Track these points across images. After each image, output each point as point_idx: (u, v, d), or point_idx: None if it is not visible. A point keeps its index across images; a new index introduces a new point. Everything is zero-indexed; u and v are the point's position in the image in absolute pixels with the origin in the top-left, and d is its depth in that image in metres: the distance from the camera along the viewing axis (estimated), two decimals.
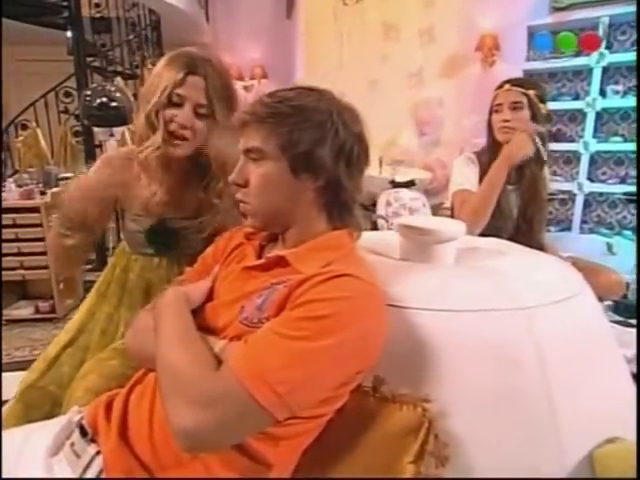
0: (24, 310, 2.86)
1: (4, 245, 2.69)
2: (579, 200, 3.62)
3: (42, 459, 0.69)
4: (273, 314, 0.70)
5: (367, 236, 1.39)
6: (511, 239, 1.49)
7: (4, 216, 2.67)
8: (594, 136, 3.51)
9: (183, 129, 1.06)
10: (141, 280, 1.22)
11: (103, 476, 0.68)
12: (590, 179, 3.60)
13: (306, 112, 0.75)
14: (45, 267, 2.75)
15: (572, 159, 3.76)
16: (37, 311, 2.84)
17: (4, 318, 2.81)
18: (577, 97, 3.65)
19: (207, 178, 1.14)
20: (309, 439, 0.74)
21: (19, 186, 2.75)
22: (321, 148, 0.74)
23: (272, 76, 4.71)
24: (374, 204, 3.38)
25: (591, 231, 3.67)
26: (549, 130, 3.73)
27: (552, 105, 3.67)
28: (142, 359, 0.81)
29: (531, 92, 1.58)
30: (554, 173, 3.86)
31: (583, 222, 3.71)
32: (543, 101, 1.62)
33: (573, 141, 3.69)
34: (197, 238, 1.17)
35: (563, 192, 3.63)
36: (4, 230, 2.67)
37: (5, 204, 2.68)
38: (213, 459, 0.67)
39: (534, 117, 1.59)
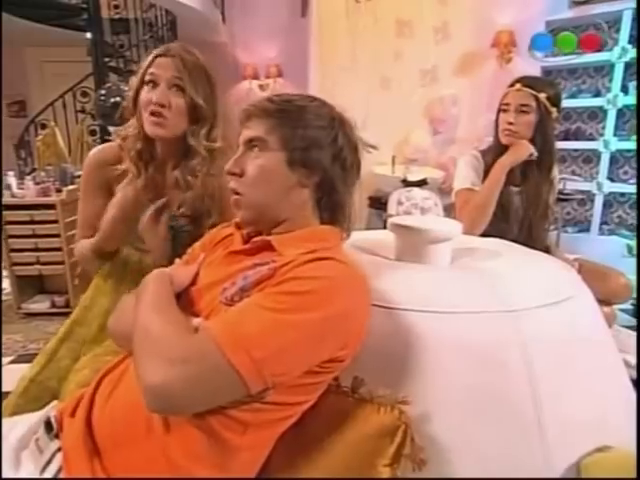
0: (41, 304, 2.95)
1: (21, 241, 2.78)
2: (598, 200, 3.51)
3: (12, 452, 0.71)
4: (251, 292, 0.70)
5: (363, 235, 1.40)
6: (515, 241, 1.46)
7: (22, 212, 2.76)
8: (615, 134, 3.40)
9: (161, 107, 1.07)
10: (138, 275, 1.23)
11: (62, 474, 0.69)
12: (610, 179, 3.48)
13: (311, 113, 0.79)
14: (61, 263, 2.83)
15: (592, 158, 3.65)
16: (53, 305, 2.92)
17: (22, 311, 2.91)
18: (598, 94, 3.53)
19: (186, 159, 1.15)
20: (277, 431, 0.73)
21: (37, 184, 2.83)
22: (320, 149, 0.78)
23: (287, 75, 4.72)
24: (385, 203, 3.35)
25: (611, 232, 3.56)
26: (568, 128, 3.68)
27: (571, 102, 3.60)
28: (121, 339, 0.81)
29: (542, 95, 1.52)
30: (573, 172, 3.76)
31: (603, 223, 3.59)
32: (556, 103, 1.56)
33: (593, 139, 3.58)
34: (189, 232, 1.18)
35: (582, 192, 3.53)
36: (22, 226, 2.77)
37: (22, 201, 2.77)
38: (172, 437, 0.67)
39: (541, 121, 1.53)
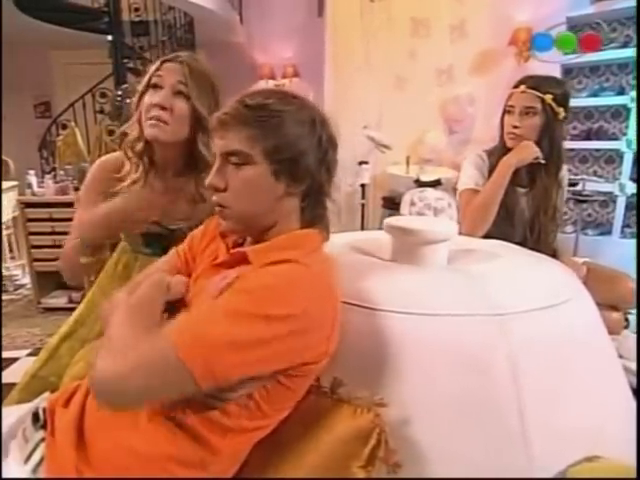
0: (59, 299, 3.05)
1: (41, 237, 2.88)
2: (620, 202, 3.39)
3: (2, 442, 0.73)
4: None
5: (362, 235, 1.39)
6: (521, 243, 1.43)
7: (41, 210, 2.86)
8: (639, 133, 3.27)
9: (162, 110, 1.08)
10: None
11: (44, 464, 0.71)
12: (634, 179, 3.36)
13: (292, 119, 0.75)
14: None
15: (614, 158, 3.53)
16: (70, 301, 3.01)
17: (41, 306, 3.01)
18: (622, 92, 3.41)
19: (198, 171, 1.14)
20: (255, 437, 0.74)
21: (56, 182, 2.93)
22: (306, 156, 0.76)
23: (304, 75, 4.73)
24: (399, 203, 3.32)
25: (634, 235, 3.43)
26: (590, 127, 3.57)
27: (594, 101, 3.50)
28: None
29: (548, 96, 1.47)
30: (594, 173, 3.65)
31: (625, 226, 3.47)
32: (564, 103, 1.51)
33: (616, 139, 3.46)
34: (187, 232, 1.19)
35: (603, 193, 3.41)
36: (41, 223, 2.87)
37: (42, 199, 2.87)
38: (156, 432, 0.69)
39: (547, 123, 1.49)
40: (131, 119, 1.18)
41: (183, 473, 0.70)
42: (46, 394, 0.85)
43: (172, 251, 0.96)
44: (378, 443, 0.71)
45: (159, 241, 1.22)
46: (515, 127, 1.50)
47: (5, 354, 2.40)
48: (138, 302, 0.75)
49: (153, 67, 1.13)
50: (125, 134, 1.16)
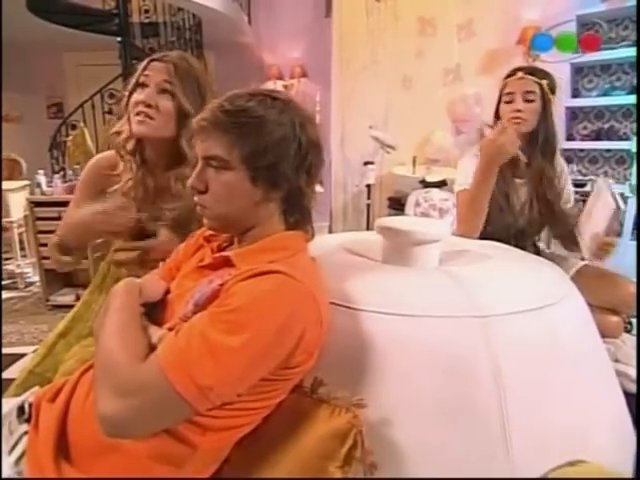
0: (67, 297, 3.11)
1: (50, 236, 2.90)
2: (631, 203, 3.32)
3: None
4: (205, 308, 0.71)
5: (356, 236, 1.39)
6: (523, 231, 1.52)
7: (50, 209, 2.91)
8: None
9: (147, 107, 1.10)
10: (133, 275, 1.27)
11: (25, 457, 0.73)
12: None
13: (271, 124, 0.74)
14: (85, 258, 2.95)
15: (625, 158, 3.46)
16: (77, 298, 3.04)
17: (50, 303, 3.07)
18: (633, 91, 3.35)
19: (181, 166, 1.15)
20: (235, 435, 0.74)
21: (65, 182, 2.98)
22: (284, 162, 0.75)
23: (312, 75, 4.75)
24: (404, 204, 3.31)
25: None
26: (600, 127, 3.50)
27: (604, 100, 3.44)
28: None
29: (544, 82, 1.52)
30: (605, 174, 3.58)
31: (637, 228, 3.40)
32: (554, 91, 1.56)
33: (627, 139, 3.39)
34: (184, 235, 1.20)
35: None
36: (50, 222, 2.91)
37: (51, 198, 2.94)
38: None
39: (545, 108, 1.52)
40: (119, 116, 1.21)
41: (162, 470, 0.70)
42: (35, 388, 0.87)
43: (172, 253, 0.98)
44: (355, 444, 0.70)
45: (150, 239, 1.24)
46: (519, 111, 1.51)
47: (14, 350, 2.46)
48: (121, 314, 0.76)
49: (141, 66, 1.15)
50: (118, 133, 1.18)
